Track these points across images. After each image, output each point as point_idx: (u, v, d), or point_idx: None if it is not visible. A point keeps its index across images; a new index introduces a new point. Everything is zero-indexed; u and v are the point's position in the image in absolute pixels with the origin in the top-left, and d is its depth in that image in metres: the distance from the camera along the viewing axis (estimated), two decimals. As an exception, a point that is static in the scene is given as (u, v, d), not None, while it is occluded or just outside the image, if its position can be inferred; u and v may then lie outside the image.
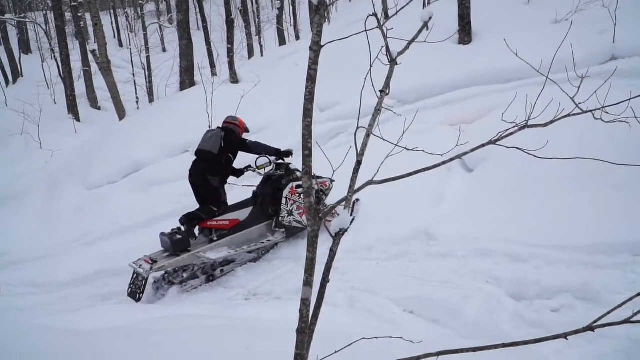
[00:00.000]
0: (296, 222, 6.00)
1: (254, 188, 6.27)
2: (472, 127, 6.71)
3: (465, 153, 2.06)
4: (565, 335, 1.78)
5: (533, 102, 2.20)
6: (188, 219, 5.63)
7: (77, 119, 13.85)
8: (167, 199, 7.54)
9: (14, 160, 10.36)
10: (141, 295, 5.32)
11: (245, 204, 6.03)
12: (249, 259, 5.98)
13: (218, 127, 6.09)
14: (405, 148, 2.25)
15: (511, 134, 2.06)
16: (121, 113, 11.63)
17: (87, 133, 11.98)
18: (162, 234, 5.60)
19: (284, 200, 5.91)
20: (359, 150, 2.36)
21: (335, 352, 2.10)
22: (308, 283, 1.97)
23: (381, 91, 2.21)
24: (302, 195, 5.52)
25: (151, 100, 15.86)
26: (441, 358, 2.13)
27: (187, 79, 12.72)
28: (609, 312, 1.79)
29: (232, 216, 5.81)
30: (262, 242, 5.96)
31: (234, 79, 10.61)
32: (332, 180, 5.98)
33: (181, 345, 3.20)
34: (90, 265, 6.41)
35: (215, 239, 5.74)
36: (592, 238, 4.67)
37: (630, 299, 1.79)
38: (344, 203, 2.10)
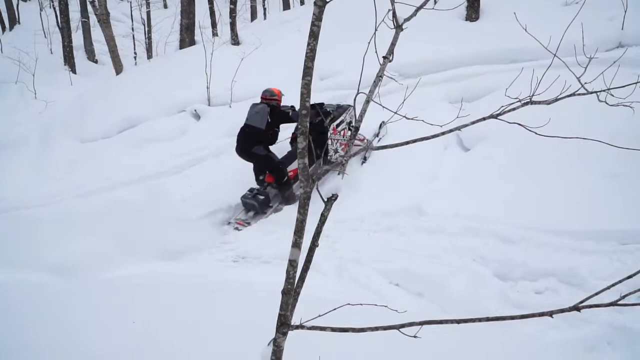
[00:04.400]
0: (342, 158, 6.31)
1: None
2: (474, 106, 6.64)
3: (465, 125, 2.02)
4: (551, 314, 1.78)
5: (538, 81, 2.16)
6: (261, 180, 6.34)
7: (73, 71, 13.61)
8: (161, 157, 7.48)
9: (7, 109, 10.18)
10: None
11: (294, 153, 6.43)
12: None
13: (262, 102, 6.34)
14: (404, 117, 2.21)
15: (514, 109, 2.03)
16: (118, 67, 11.45)
17: (83, 86, 11.77)
18: (245, 196, 6.26)
19: (329, 141, 6.41)
20: (357, 116, 2.32)
21: (320, 315, 2.09)
22: (297, 244, 1.95)
23: (384, 57, 2.16)
24: (342, 132, 6.48)
25: (149, 56, 15.58)
26: (424, 329, 2.14)
27: (187, 38, 12.49)
28: (596, 294, 1.79)
29: (292, 167, 6.38)
30: (331, 171, 6.43)
31: (235, 40, 10.44)
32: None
33: (165, 301, 3.22)
34: (82, 218, 6.37)
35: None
36: (582, 224, 4.69)
37: (619, 282, 1.79)
38: (338, 167, 2.07)
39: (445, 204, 5.54)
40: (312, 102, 5.59)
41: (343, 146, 6.50)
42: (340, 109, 6.70)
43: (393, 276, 4.67)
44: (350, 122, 6.69)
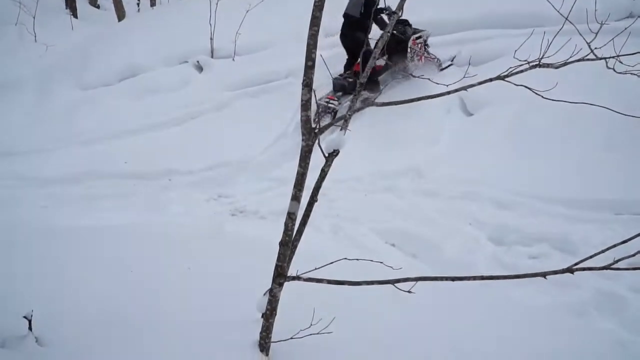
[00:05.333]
0: (415, 66, 7.14)
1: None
2: (481, 69, 6.55)
3: (472, 85, 2.01)
4: (544, 274, 1.82)
5: (548, 44, 2.13)
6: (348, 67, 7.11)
7: (75, 15, 13.27)
8: (162, 108, 7.39)
9: (6, 51, 9.97)
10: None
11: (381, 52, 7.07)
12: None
13: None
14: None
15: (522, 71, 2.01)
16: (121, 14, 11.19)
17: (84, 31, 11.49)
18: (337, 78, 6.97)
19: (409, 50, 7.01)
20: (362, 72, 2.30)
21: (316, 268, 2.13)
22: (296, 197, 1.97)
23: (393, 12, 2.12)
24: (420, 45, 7.15)
25: (153, 3, 15.21)
26: (417, 288, 2.18)
27: (191, -13, 12.14)
28: (589, 257, 1.82)
29: (378, 62, 7.02)
30: (396, 79, 7.13)
31: (241, -9, 10.16)
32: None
33: (161, 251, 3.26)
34: (79, 165, 6.37)
35: (381, 88, 7.00)
36: (578, 193, 4.73)
37: (613, 247, 1.81)
38: (339, 123, 2.06)
39: (444, 167, 5.55)
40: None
41: (419, 57, 7.15)
42: (418, 30, 7.36)
43: (389, 236, 4.72)
44: (426, 41, 7.31)
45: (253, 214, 5.42)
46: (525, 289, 3.77)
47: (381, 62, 7.18)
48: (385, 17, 6.86)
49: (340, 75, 7.10)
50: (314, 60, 1.78)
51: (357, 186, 5.65)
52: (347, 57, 7.39)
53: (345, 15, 6.90)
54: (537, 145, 5.41)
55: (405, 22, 7.17)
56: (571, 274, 1.82)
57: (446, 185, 5.26)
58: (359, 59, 6.69)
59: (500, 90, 5.93)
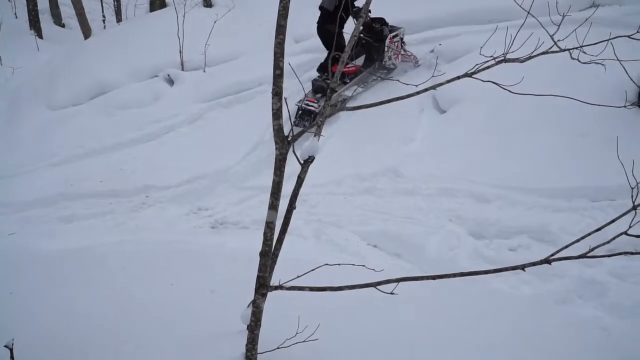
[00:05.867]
0: (392, 65, 7.37)
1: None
2: (450, 67, 6.63)
3: (441, 84, 2.03)
4: (523, 267, 1.84)
5: (512, 39, 2.16)
6: (324, 68, 7.05)
7: (40, 36, 13.08)
8: (134, 124, 7.30)
9: (-29, 75, 9.80)
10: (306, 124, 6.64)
11: (358, 53, 7.22)
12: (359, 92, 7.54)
13: None
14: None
15: (488, 67, 2.03)
16: (87, 32, 11.02)
17: (50, 51, 11.34)
18: (316, 80, 7.03)
19: (386, 48, 7.18)
20: (333, 77, 2.30)
21: (298, 276, 2.12)
22: (273, 206, 1.96)
23: (359, 16, 2.13)
24: (397, 44, 7.25)
25: (119, 19, 15.05)
26: (400, 287, 2.19)
27: (157, 0, 12.07)
28: (566, 247, 1.85)
29: (355, 62, 7.20)
30: (372, 80, 7.27)
31: (207, 2, 10.13)
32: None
33: (141, 268, 3.21)
34: (54, 187, 6.26)
35: (348, 81, 7.21)
36: (554, 182, 4.80)
37: (588, 235, 1.84)
38: (313, 130, 2.06)
39: (421, 165, 5.59)
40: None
41: (396, 55, 7.30)
42: (394, 28, 7.49)
43: (371, 238, 4.74)
44: (402, 38, 7.45)
45: (234, 225, 5.38)
46: (508, 281, 3.82)
47: (355, 64, 7.26)
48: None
49: (319, 77, 7.15)
50: (282, 69, 1.77)
51: (336, 190, 5.66)
52: (324, 57, 7.46)
53: (320, 8, 6.99)
54: (510, 139, 5.48)
55: (382, 21, 7.25)
56: (549, 265, 1.85)
57: (424, 183, 5.29)
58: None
59: (472, 87, 6.01)
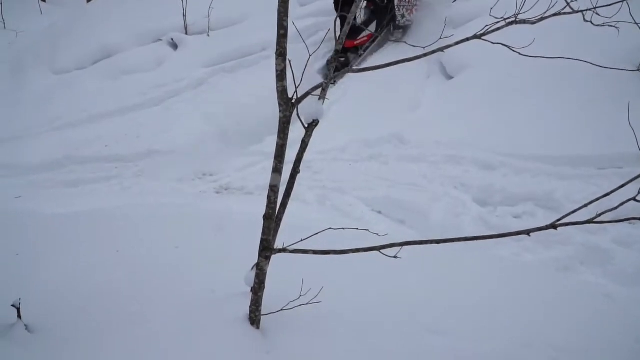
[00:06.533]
0: (408, 21, 7.47)
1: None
2: (459, 31, 6.51)
3: (449, 46, 1.98)
4: (528, 232, 1.83)
5: (524, 1, 2.10)
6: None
7: (42, -1, 12.90)
8: (138, 89, 7.25)
9: (-26, 39, 9.70)
10: None
11: (369, 20, 7.40)
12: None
13: None
14: (391, 40, 2.15)
15: (498, 28, 1.98)
16: (89, -6, 10.84)
17: (53, 14, 11.18)
18: (329, 60, 6.97)
19: (396, 8, 7.32)
20: (337, 38, 2.25)
21: (302, 240, 2.12)
22: (277, 170, 1.94)
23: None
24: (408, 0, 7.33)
25: (122, -17, 14.80)
26: (404, 253, 2.19)
27: (161, -38, 11.77)
28: (572, 212, 1.83)
29: (367, 32, 7.34)
30: (389, 41, 7.58)
31: (212, -36, 9.90)
32: None
33: (146, 231, 3.23)
34: (59, 151, 6.26)
35: (362, 52, 7.43)
36: (560, 150, 4.76)
37: (596, 200, 1.83)
38: (318, 91, 2.03)
39: (427, 132, 5.55)
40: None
41: (409, 11, 7.34)
42: None
43: (375, 204, 4.73)
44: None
45: (238, 191, 5.39)
46: (512, 248, 3.83)
47: (367, 34, 7.38)
48: None
49: (333, 57, 7.23)
50: (286, 29, 1.73)
51: (341, 156, 5.64)
52: (329, 21, 7.41)
53: None
54: (519, 105, 5.42)
55: None
56: (555, 230, 1.84)
57: (430, 150, 5.27)
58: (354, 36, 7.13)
59: (480, 52, 5.91)
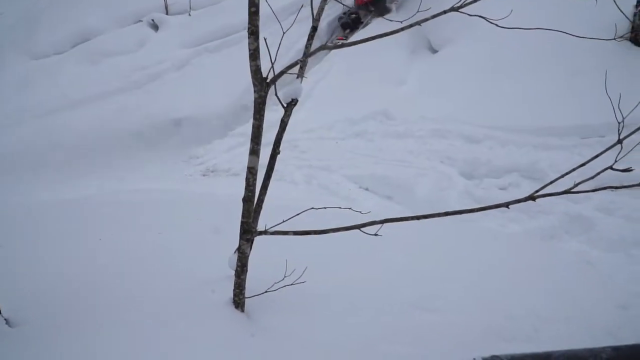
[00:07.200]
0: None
1: None
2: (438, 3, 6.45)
3: (425, 20, 1.94)
4: (507, 204, 1.83)
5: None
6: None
7: (17, -18, 12.58)
8: (120, 72, 7.13)
9: (-52, 25, 9.45)
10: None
11: None
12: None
13: None
14: (368, 10, 2.11)
15: (475, 0, 1.94)
16: (66, -24, 10.58)
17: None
18: (341, 17, 7.77)
19: None
20: (314, 15, 2.21)
21: (284, 221, 2.11)
22: (254, 151, 1.92)
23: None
24: None
25: (99, -37, 14.46)
26: (390, 229, 2.18)
27: (137, -60, 11.48)
28: (550, 183, 1.83)
29: None
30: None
31: (190, -59, 9.67)
32: None
33: (133, 218, 3.20)
34: (41, 138, 6.17)
35: (372, 9, 7.74)
36: (544, 121, 4.78)
37: (573, 170, 1.83)
38: (296, 69, 1.99)
39: (412, 108, 5.54)
40: None
41: None
42: None
43: (362, 181, 4.74)
44: None
45: (225, 172, 5.36)
46: (498, 219, 3.85)
47: None
48: None
49: (344, 13, 7.72)
50: (257, 6, 1.69)
51: (327, 135, 5.61)
52: None
53: None
54: (504, 78, 5.42)
55: None
56: (533, 202, 1.84)
57: (415, 125, 5.26)
58: None
59: (464, 27, 5.86)
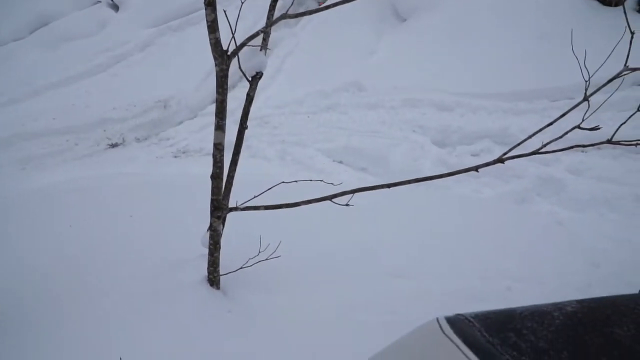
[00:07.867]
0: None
1: None
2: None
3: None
4: (476, 168, 1.83)
5: None
6: None
7: (-32, -34, 12.03)
8: (82, 55, 6.90)
9: None
10: None
11: None
12: None
13: None
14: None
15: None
16: (19, -42, 10.15)
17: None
18: None
19: None
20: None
21: (255, 196, 2.09)
22: (220, 127, 1.88)
23: None
24: None
25: (54, -57, 13.90)
26: (365, 199, 2.18)
27: None
28: (517, 145, 1.84)
29: None
30: None
31: None
32: None
33: (103, 203, 3.13)
34: (6, 129, 5.97)
35: None
36: (514, 86, 4.81)
37: (540, 130, 1.83)
38: (255, 42, 1.94)
39: (384, 78, 5.50)
40: None
41: None
42: None
43: (336, 154, 4.72)
44: None
45: (197, 152, 5.27)
46: (472, 185, 3.89)
47: None
48: None
49: None
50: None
51: (299, 109, 5.55)
52: None
53: None
54: (472, 45, 5.41)
55: None
56: (503, 164, 1.85)
57: (387, 95, 5.24)
58: None
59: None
